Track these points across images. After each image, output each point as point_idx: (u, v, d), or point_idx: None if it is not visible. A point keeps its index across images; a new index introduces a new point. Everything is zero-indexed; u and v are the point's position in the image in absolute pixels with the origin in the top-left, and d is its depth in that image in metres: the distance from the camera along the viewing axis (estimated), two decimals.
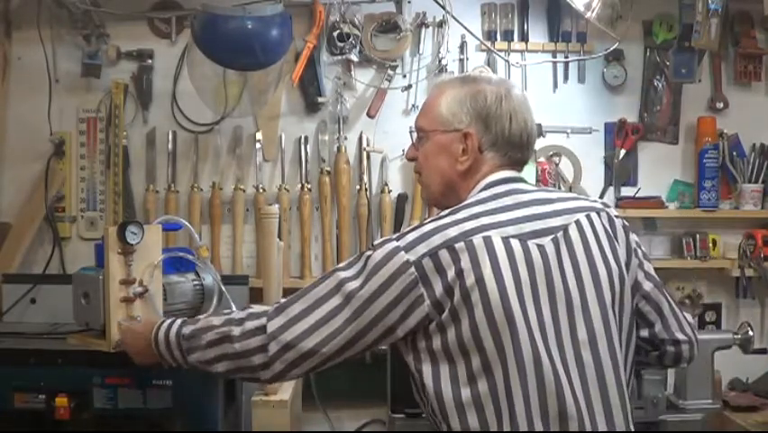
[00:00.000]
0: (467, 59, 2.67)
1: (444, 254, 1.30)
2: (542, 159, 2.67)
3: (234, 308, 1.76)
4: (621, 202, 2.68)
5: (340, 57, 2.60)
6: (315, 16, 2.53)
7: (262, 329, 1.39)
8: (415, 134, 1.54)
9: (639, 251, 1.48)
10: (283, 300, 1.42)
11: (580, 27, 2.71)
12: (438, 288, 1.29)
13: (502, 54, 2.66)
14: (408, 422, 2.18)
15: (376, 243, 1.37)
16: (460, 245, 1.30)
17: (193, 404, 1.85)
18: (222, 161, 2.66)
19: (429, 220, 1.37)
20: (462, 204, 1.39)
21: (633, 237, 1.48)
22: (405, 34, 2.60)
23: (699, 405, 2.37)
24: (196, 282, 1.95)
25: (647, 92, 2.76)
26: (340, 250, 2.63)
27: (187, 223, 1.99)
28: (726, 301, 2.80)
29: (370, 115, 2.64)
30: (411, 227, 1.37)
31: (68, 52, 2.60)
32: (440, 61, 2.64)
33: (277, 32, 2.32)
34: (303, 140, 2.64)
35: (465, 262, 1.28)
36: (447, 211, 1.38)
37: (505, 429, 1.26)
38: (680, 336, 1.50)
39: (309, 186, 2.61)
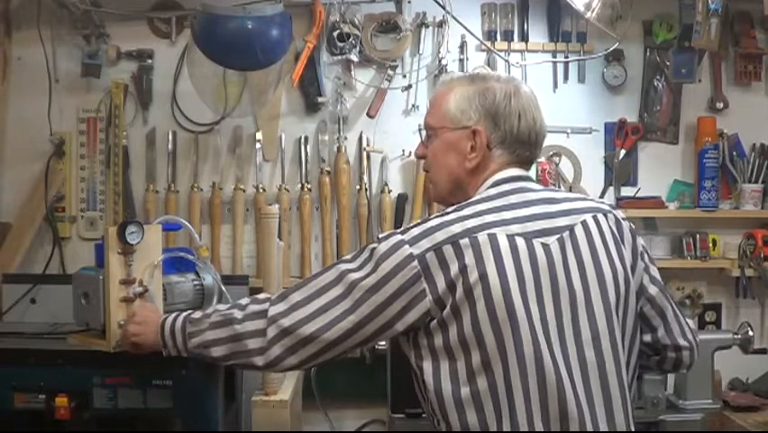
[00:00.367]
0: (467, 59, 2.67)
1: (448, 250, 1.30)
2: (542, 159, 2.67)
3: None
4: (621, 202, 2.68)
5: (340, 57, 2.60)
6: (315, 16, 2.53)
7: (263, 313, 1.41)
8: (423, 132, 1.54)
9: (646, 255, 1.48)
10: (287, 288, 1.44)
11: (580, 27, 2.71)
12: (440, 283, 1.30)
13: (502, 54, 2.66)
14: (408, 422, 2.18)
15: (381, 236, 1.38)
16: (464, 242, 1.30)
17: (193, 404, 1.85)
18: (222, 161, 2.66)
19: (435, 216, 1.37)
20: (468, 201, 1.39)
21: (640, 241, 1.48)
22: (405, 34, 2.60)
23: (699, 405, 2.37)
24: (196, 282, 1.95)
25: (647, 92, 2.76)
26: (340, 250, 2.63)
27: (187, 223, 2.00)
28: (726, 301, 2.80)
29: (370, 115, 2.64)
30: (416, 222, 1.37)
31: (68, 52, 2.60)
32: (440, 61, 2.64)
33: (277, 32, 2.32)
34: (303, 140, 2.64)
35: (469, 259, 1.29)
36: (453, 208, 1.38)
37: (504, 428, 1.26)
38: (682, 341, 1.50)
39: (309, 186, 2.61)
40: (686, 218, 2.74)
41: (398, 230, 1.37)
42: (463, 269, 1.28)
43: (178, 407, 1.84)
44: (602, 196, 2.73)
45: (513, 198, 1.39)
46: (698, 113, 2.76)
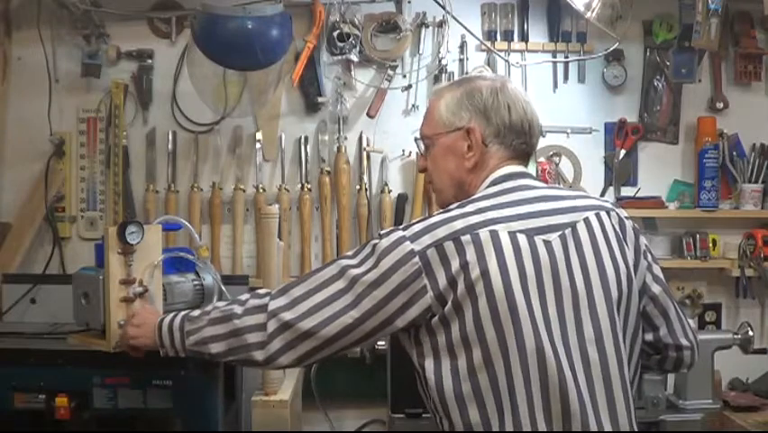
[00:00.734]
0: (467, 59, 2.67)
1: (450, 246, 1.30)
2: (542, 159, 2.67)
3: None
4: (621, 202, 2.67)
5: (340, 57, 2.60)
6: (315, 16, 2.53)
7: (263, 308, 1.41)
8: (422, 145, 1.56)
9: (649, 253, 1.48)
10: (287, 283, 1.44)
11: (580, 27, 2.71)
12: (441, 279, 1.30)
13: (502, 54, 2.66)
14: (408, 422, 2.17)
15: (382, 232, 1.38)
16: (465, 238, 1.30)
17: (193, 404, 1.85)
18: (222, 161, 2.66)
19: (437, 213, 1.37)
20: (470, 198, 1.40)
21: (642, 240, 1.48)
22: (405, 34, 2.60)
23: (699, 405, 2.36)
24: (196, 282, 1.95)
25: (647, 92, 2.76)
26: (340, 250, 2.63)
27: (187, 223, 2.00)
28: (726, 301, 2.80)
29: (370, 115, 2.64)
30: (419, 219, 1.38)
31: (68, 52, 2.60)
32: (440, 61, 2.64)
33: (277, 32, 2.32)
34: (303, 140, 2.64)
35: (470, 255, 1.29)
36: (455, 205, 1.38)
37: (506, 425, 1.26)
38: (683, 341, 1.50)
39: (309, 186, 2.61)
40: (686, 218, 2.74)
41: (400, 226, 1.37)
42: (465, 265, 1.29)
43: (178, 407, 1.84)
44: (602, 196, 2.72)
45: (515, 195, 1.39)
46: (698, 113, 2.76)
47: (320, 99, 2.62)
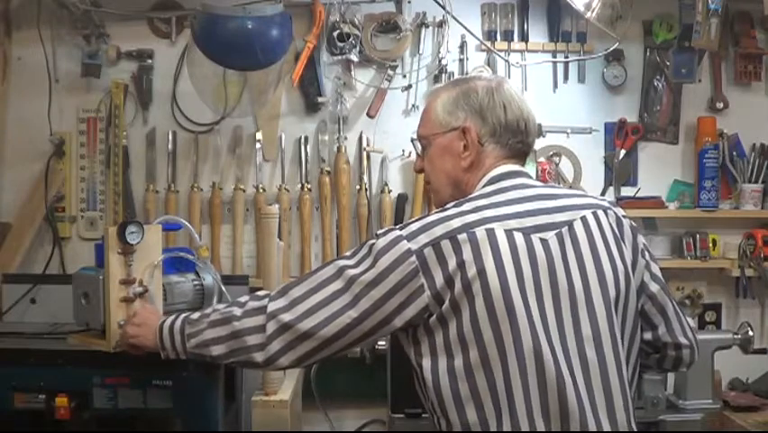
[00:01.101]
0: (467, 59, 2.67)
1: (446, 245, 1.30)
2: (542, 159, 2.67)
3: None
4: (621, 202, 2.67)
5: (340, 57, 2.60)
6: (315, 16, 2.53)
7: (263, 309, 1.42)
8: (419, 145, 1.56)
9: (647, 252, 1.48)
10: (286, 284, 1.44)
11: (580, 27, 2.71)
12: (439, 278, 1.30)
13: (502, 54, 2.66)
14: (408, 422, 2.18)
15: (379, 231, 1.38)
16: (462, 237, 1.30)
17: (193, 404, 1.84)
18: (222, 161, 2.66)
19: (433, 212, 1.38)
20: (467, 197, 1.40)
21: (640, 239, 1.48)
22: (405, 34, 2.60)
23: (699, 405, 2.36)
24: (196, 282, 1.95)
25: (647, 92, 2.76)
26: (340, 250, 2.63)
27: (187, 223, 2.00)
28: (727, 301, 2.80)
29: (370, 115, 2.64)
30: (415, 218, 1.38)
31: (68, 52, 2.60)
32: (440, 61, 2.64)
33: (277, 32, 2.32)
34: (303, 140, 2.64)
35: (467, 254, 1.29)
36: (452, 204, 1.39)
37: (504, 425, 1.25)
38: (682, 339, 1.50)
39: (309, 186, 2.61)
40: (686, 218, 2.74)
41: (397, 226, 1.38)
42: (461, 264, 1.29)
43: (178, 407, 1.84)
44: (602, 196, 2.73)
45: (511, 194, 1.39)
46: (698, 113, 2.76)
47: (320, 99, 2.62)
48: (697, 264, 2.70)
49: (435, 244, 1.31)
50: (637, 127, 2.74)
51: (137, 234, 1.72)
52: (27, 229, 2.55)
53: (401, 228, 1.36)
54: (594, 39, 2.69)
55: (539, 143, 2.67)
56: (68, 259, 2.60)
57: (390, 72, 2.63)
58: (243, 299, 1.49)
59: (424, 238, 1.32)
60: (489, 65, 2.68)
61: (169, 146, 2.62)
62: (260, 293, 1.49)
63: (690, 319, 1.55)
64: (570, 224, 1.37)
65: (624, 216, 1.47)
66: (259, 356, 1.42)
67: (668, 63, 2.69)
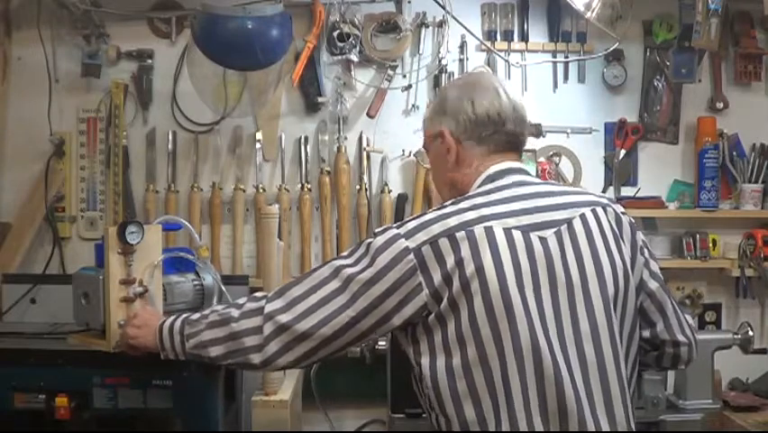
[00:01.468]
0: (467, 59, 2.67)
1: (444, 243, 1.30)
2: (542, 159, 2.67)
3: None
4: (621, 202, 2.63)
5: (340, 57, 2.60)
6: (315, 16, 2.53)
7: (260, 310, 1.42)
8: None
9: (646, 249, 1.48)
10: (283, 285, 1.45)
11: (580, 27, 2.71)
12: (437, 276, 1.30)
13: (502, 54, 2.66)
14: (408, 422, 2.18)
15: (377, 230, 1.38)
16: (460, 234, 1.30)
17: (193, 404, 1.84)
18: (222, 161, 2.66)
19: (431, 210, 1.38)
20: (466, 195, 1.40)
21: (639, 236, 1.48)
22: (405, 34, 2.60)
23: (699, 405, 2.36)
24: (196, 282, 1.95)
25: (647, 92, 2.76)
26: (340, 250, 2.62)
27: (187, 223, 2.00)
28: (727, 301, 2.80)
29: (370, 115, 2.64)
30: (413, 216, 1.38)
31: (68, 52, 2.60)
32: (440, 61, 2.64)
33: (277, 32, 2.32)
34: (303, 140, 2.64)
35: (465, 252, 1.29)
36: (450, 202, 1.39)
37: (502, 422, 1.25)
38: (681, 337, 1.50)
39: (309, 186, 2.61)
40: (686, 218, 2.74)
41: (395, 224, 1.38)
42: (459, 262, 1.29)
43: (178, 407, 1.84)
44: None
45: (510, 192, 1.39)
46: (698, 113, 2.77)
47: (320, 99, 2.62)
48: (697, 264, 2.70)
49: (433, 242, 1.31)
50: (637, 127, 2.74)
51: (137, 234, 1.72)
52: (27, 229, 2.55)
53: (399, 226, 1.36)
54: (594, 39, 2.69)
55: (539, 143, 2.68)
56: (68, 259, 2.60)
57: (390, 72, 2.63)
58: (242, 300, 1.49)
59: (422, 236, 1.32)
60: (489, 65, 2.68)
61: (169, 146, 2.62)
62: (257, 294, 1.50)
63: (689, 317, 1.54)
64: (569, 222, 1.37)
65: (623, 213, 1.47)
66: (256, 358, 1.42)
67: (668, 63, 2.69)
